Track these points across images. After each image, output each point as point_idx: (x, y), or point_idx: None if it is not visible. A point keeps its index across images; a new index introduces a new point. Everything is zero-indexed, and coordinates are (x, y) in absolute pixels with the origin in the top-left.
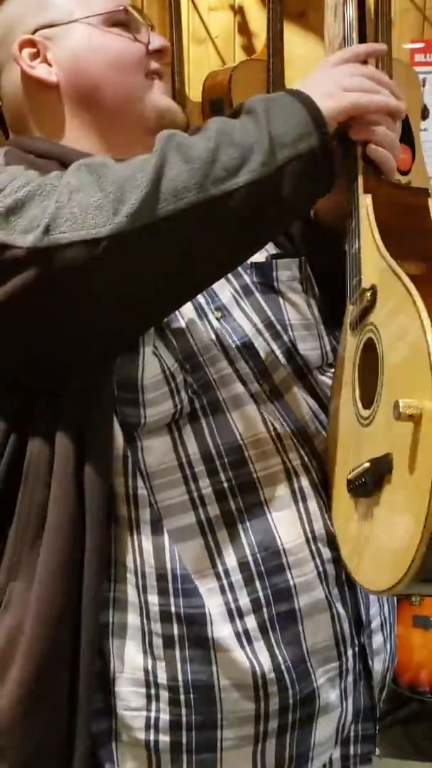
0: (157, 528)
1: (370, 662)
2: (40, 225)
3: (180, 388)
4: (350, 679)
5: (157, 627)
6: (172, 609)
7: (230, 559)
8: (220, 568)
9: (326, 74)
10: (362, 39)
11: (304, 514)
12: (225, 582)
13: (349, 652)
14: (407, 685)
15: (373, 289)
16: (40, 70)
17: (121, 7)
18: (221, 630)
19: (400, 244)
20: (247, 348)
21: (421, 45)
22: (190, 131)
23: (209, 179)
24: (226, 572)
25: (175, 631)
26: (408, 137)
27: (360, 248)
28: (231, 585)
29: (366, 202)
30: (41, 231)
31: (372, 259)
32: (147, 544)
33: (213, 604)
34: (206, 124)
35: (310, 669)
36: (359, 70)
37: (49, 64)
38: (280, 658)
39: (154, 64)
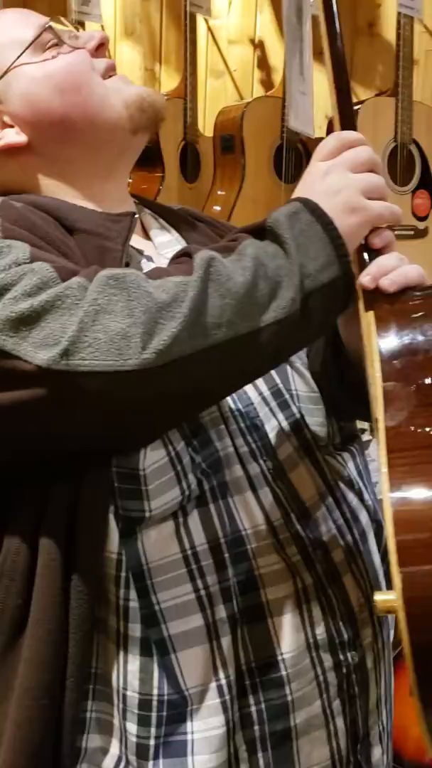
0: (146, 646)
1: None
2: (58, 345)
3: (187, 470)
4: None
5: (133, 760)
6: (151, 742)
7: (231, 671)
8: (223, 681)
9: (343, 179)
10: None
11: (307, 619)
12: (227, 698)
13: None
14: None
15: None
16: (7, 137)
17: (44, 28)
18: (203, 761)
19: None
20: (251, 419)
21: None
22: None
23: (240, 315)
24: (228, 686)
25: (150, 766)
26: (428, 183)
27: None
28: (230, 702)
29: (369, 320)
30: (59, 353)
31: (375, 387)
32: (133, 664)
33: (212, 724)
34: (242, 246)
35: None
36: (376, 180)
37: (12, 126)
38: None
39: (101, 62)
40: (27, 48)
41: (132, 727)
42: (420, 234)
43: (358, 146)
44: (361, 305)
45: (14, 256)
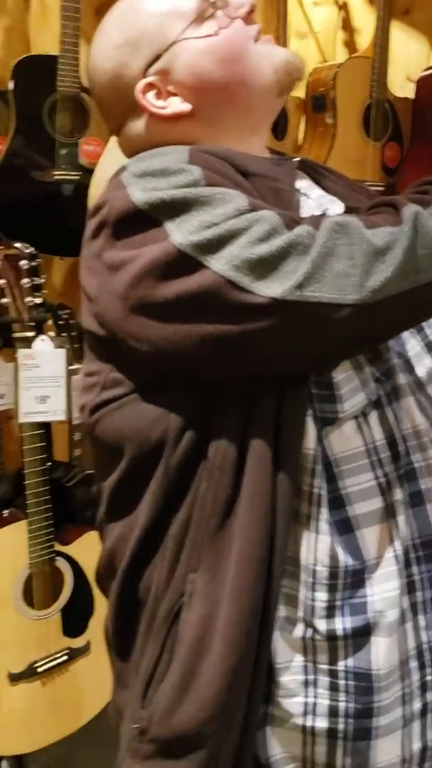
0: (333, 526)
1: None
2: (292, 280)
3: (368, 379)
4: None
5: (321, 623)
6: (338, 603)
7: (402, 543)
8: (399, 551)
9: None
10: None
11: None
12: (400, 566)
13: None
14: None
15: None
16: (173, 106)
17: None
18: (387, 615)
19: None
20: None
21: None
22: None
23: None
24: (400, 557)
25: (338, 625)
26: (398, 136)
27: None
28: (404, 568)
29: None
30: (293, 285)
31: None
32: (323, 543)
33: (389, 587)
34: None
35: None
36: None
37: (175, 94)
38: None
39: (252, 29)
40: (192, 21)
41: (321, 596)
42: (390, 189)
43: None
44: None
45: (236, 204)
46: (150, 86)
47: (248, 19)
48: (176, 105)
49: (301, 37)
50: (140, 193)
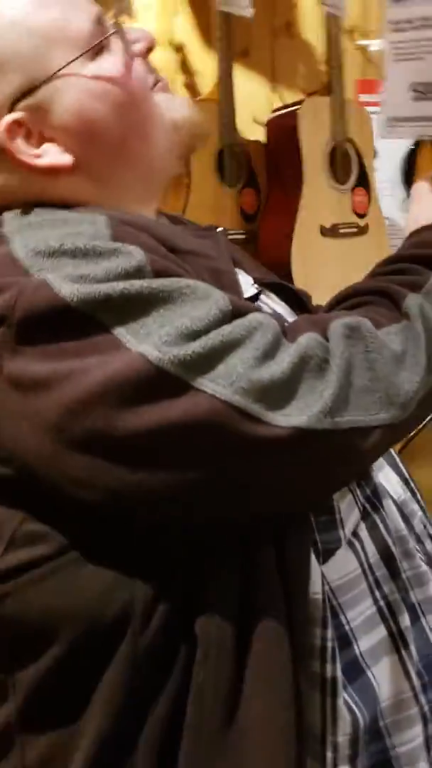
0: (345, 675)
1: None
2: (318, 405)
3: (355, 488)
4: None
5: None
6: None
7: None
8: (418, 689)
9: None
10: None
11: None
12: (426, 709)
13: None
14: None
15: None
16: (49, 155)
17: (109, 32)
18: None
19: None
20: None
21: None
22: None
23: None
24: (422, 694)
25: None
26: (365, 181)
27: None
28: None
29: None
30: (320, 412)
31: None
32: (342, 704)
33: (413, 735)
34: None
35: None
36: None
37: (51, 140)
38: None
39: (150, 72)
40: (83, 54)
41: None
42: (362, 231)
43: None
44: None
45: (216, 303)
46: (17, 125)
47: (145, 57)
48: (54, 155)
49: None
50: (67, 285)
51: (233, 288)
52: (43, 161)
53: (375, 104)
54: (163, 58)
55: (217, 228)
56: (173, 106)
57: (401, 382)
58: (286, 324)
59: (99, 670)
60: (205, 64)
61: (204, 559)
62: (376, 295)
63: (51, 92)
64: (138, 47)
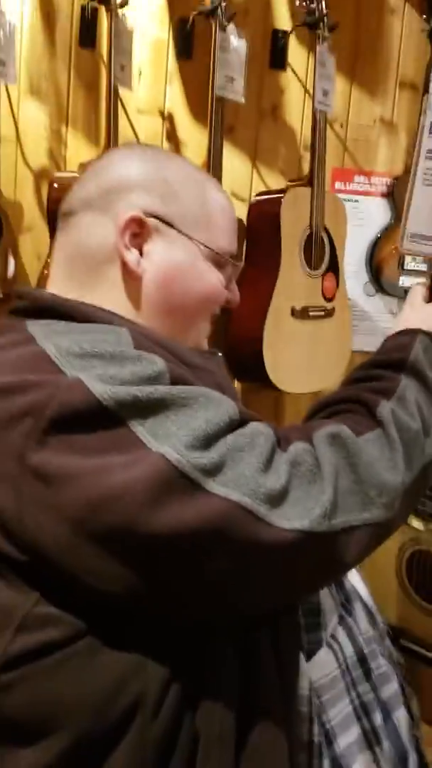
0: None
1: None
2: (317, 509)
3: (333, 591)
4: None
5: None
6: None
7: None
8: None
9: None
10: None
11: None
12: None
13: None
14: None
15: None
16: (130, 256)
17: (233, 258)
18: None
19: None
20: None
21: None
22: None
23: (421, 453)
24: None
25: None
26: (335, 266)
27: None
28: None
29: None
30: (321, 515)
31: None
32: None
33: None
34: (401, 390)
35: None
36: None
37: (141, 253)
38: None
39: (217, 310)
40: (218, 253)
41: None
42: (329, 314)
43: None
44: None
45: (227, 410)
46: (139, 224)
47: (230, 283)
48: (132, 259)
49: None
50: (99, 384)
51: (233, 399)
52: (125, 254)
53: (350, 192)
54: (151, 125)
55: (218, 353)
56: (204, 336)
57: (382, 484)
58: (279, 431)
59: (103, 758)
60: (191, 135)
61: (209, 643)
62: (353, 403)
63: (174, 237)
64: (233, 297)
